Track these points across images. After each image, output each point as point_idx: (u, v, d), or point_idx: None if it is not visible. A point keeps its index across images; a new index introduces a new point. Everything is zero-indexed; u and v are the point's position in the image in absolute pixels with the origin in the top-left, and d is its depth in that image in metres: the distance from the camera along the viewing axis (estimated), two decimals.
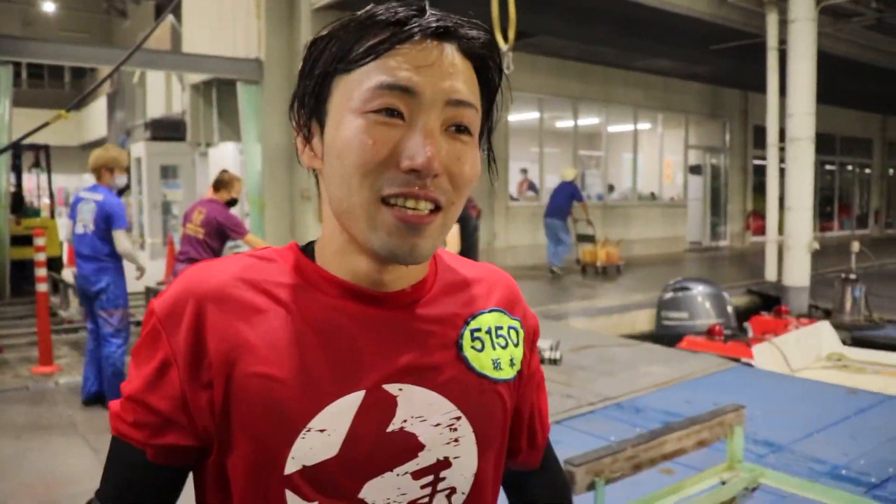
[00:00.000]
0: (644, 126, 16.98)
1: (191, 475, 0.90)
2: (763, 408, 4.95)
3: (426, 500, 0.88)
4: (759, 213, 17.67)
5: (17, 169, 10.85)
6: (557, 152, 15.99)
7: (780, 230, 10.69)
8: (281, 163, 10.74)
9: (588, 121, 15.94)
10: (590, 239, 12.91)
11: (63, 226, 15.30)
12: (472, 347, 0.91)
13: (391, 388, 0.85)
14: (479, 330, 0.93)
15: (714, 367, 6.23)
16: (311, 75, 0.84)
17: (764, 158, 11.77)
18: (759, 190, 17.02)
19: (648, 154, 17.37)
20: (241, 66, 10.59)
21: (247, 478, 0.83)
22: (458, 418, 0.88)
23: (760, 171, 16.42)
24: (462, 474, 0.90)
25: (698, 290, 8.72)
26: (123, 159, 5.28)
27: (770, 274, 11.18)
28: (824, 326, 8.03)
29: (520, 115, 14.59)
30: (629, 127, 16.39)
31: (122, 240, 5.09)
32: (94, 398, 5.23)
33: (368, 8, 0.82)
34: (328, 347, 0.84)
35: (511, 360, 0.95)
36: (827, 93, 11.55)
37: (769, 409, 4.98)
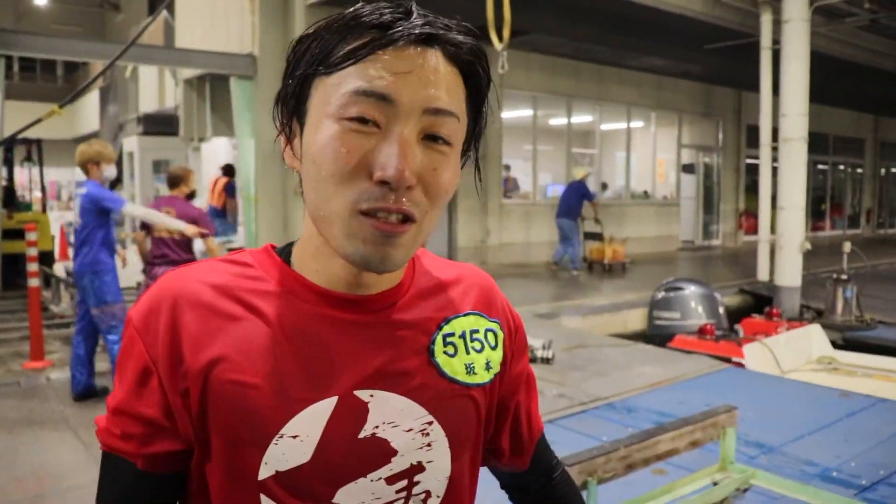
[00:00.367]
0: (637, 124, 17.00)
1: None
2: (755, 409, 4.97)
3: (401, 503, 0.88)
4: (751, 213, 17.72)
5: (8, 163, 10.80)
6: (551, 150, 16.00)
7: (773, 230, 10.72)
8: (274, 158, 10.69)
9: (581, 118, 15.94)
10: (598, 237, 13.08)
11: (55, 220, 15.28)
12: (444, 353, 0.91)
13: (363, 394, 0.85)
14: (452, 335, 0.93)
15: (706, 367, 6.24)
16: (293, 75, 0.83)
17: (757, 158, 11.79)
18: (752, 189, 17.07)
19: (641, 152, 17.40)
20: (235, 61, 10.54)
21: (223, 483, 0.84)
22: (431, 423, 0.88)
23: (753, 171, 16.49)
24: (436, 478, 0.90)
25: (690, 291, 8.74)
26: (108, 152, 5.25)
27: (762, 274, 11.21)
28: (815, 329, 8.06)
29: (513, 113, 14.58)
30: (622, 125, 16.41)
31: (131, 210, 5.05)
32: (84, 393, 5.20)
33: (357, 7, 0.80)
34: (302, 354, 0.84)
35: (487, 363, 0.95)
36: (820, 93, 11.59)
37: (761, 411, 5.00)
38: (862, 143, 23.86)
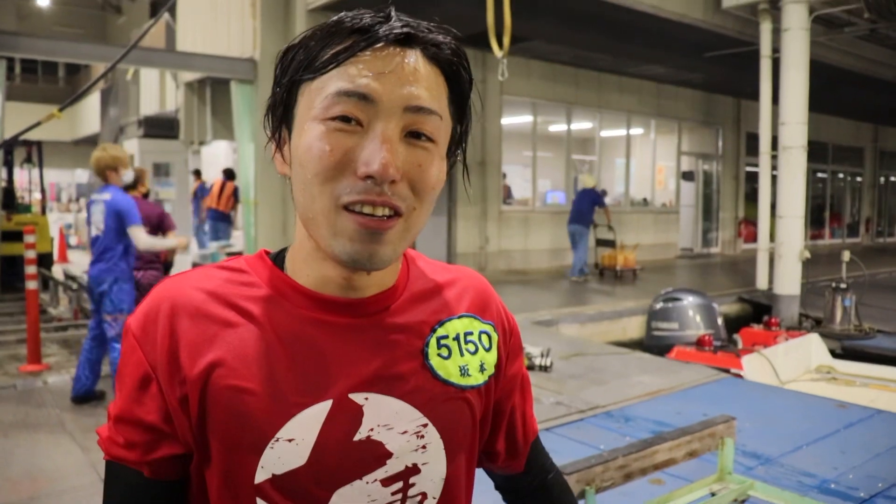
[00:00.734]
0: (637, 132, 17.01)
1: None
2: (753, 420, 4.96)
3: None
4: (750, 221, 17.72)
5: (8, 164, 10.79)
6: (551, 157, 16.00)
7: (772, 238, 10.72)
8: (274, 163, 10.70)
9: (581, 125, 15.94)
10: (610, 244, 13.21)
11: (55, 222, 15.28)
12: (438, 355, 0.92)
13: (357, 397, 0.85)
14: (446, 337, 0.93)
15: (705, 377, 6.23)
16: (280, 83, 0.85)
17: (756, 166, 11.80)
18: (752, 197, 17.08)
19: (641, 160, 17.41)
20: (236, 65, 10.54)
21: (221, 487, 0.85)
22: (425, 425, 0.89)
23: (753, 179, 16.50)
24: (431, 480, 0.91)
25: (688, 301, 8.74)
26: (124, 156, 5.26)
27: (761, 282, 11.21)
28: (813, 338, 8.05)
29: (513, 119, 14.59)
30: (622, 132, 16.42)
31: (139, 236, 5.02)
32: (84, 396, 5.16)
33: (339, 15, 0.83)
34: (296, 358, 0.85)
35: (481, 365, 0.95)
36: (819, 102, 11.59)
37: (759, 422, 4.99)
38: (861, 152, 23.87)
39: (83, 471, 4.04)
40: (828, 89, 13.44)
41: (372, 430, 0.86)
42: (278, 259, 0.93)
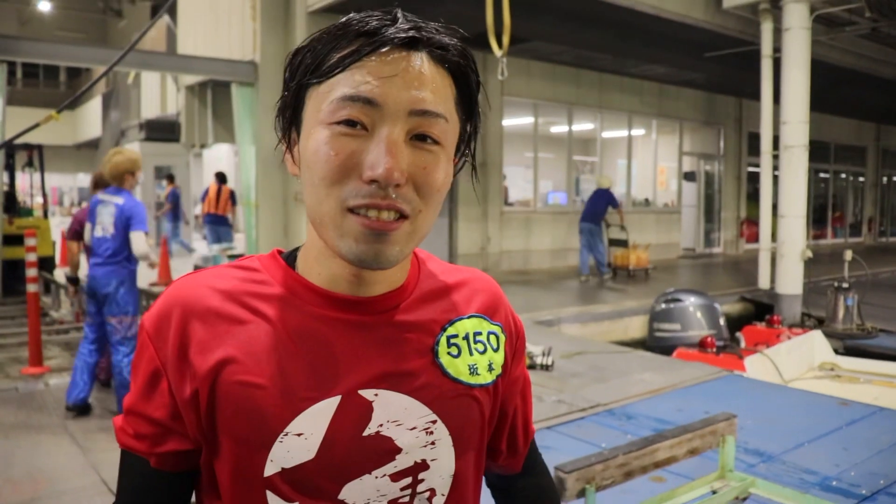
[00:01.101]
0: (638, 132, 17.01)
1: None
2: (754, 417, 4.95)
3: (406, 500, 0.90)
4: (752, 221, 17.71)
5: (9, 168, 10.80)
6: (552, 157, 16.00)
7: (774, 238, 10.71)
8: (275, 165, 10.71)
9: (582, 126, 15.95)
10: (622, 244, 13.31)
11: (56, 225, 15.30)
12: (448, 353, 0.93)
13: (367, 393, 0.87)
14: (456, 336, 0.95)
15: (706, 375, 6.22)
16: (289, 86, 0.86)
17: (758, 165, 11.78)
18: (754, 197, 17.05)
19: (643, 160, 17.41)
20: (236, 67, 10.57)
21: (231, 480, 0.87)
22: (434, 422, 0.90)
23: (754, 179, 16.47)
24: (440, 476, 0.92)
25: (690, 302, 8.73)
26: (139, 158, 5.27)
27: (763, 282, 11.19)
28: (816, 335, 8.04)
29: (514, 120, 14.60)
30: (623, 133, 16.41)
31: (139, 241, 5.01)
32: (81, 406, 5.03)
33: (347, 17, 0.83)
34: (306, 355, 0.86)
35: (490, 364, 0.97)
36: (821, 101, 11.59)
37: (760, 419, 4.98)
38: (864, 152, 23.86)
39: (84, 472, 4.05)
40: (829, 89, 13.44)
41: (381, 425, 0.87)
42: (290, 258, 0.94)
